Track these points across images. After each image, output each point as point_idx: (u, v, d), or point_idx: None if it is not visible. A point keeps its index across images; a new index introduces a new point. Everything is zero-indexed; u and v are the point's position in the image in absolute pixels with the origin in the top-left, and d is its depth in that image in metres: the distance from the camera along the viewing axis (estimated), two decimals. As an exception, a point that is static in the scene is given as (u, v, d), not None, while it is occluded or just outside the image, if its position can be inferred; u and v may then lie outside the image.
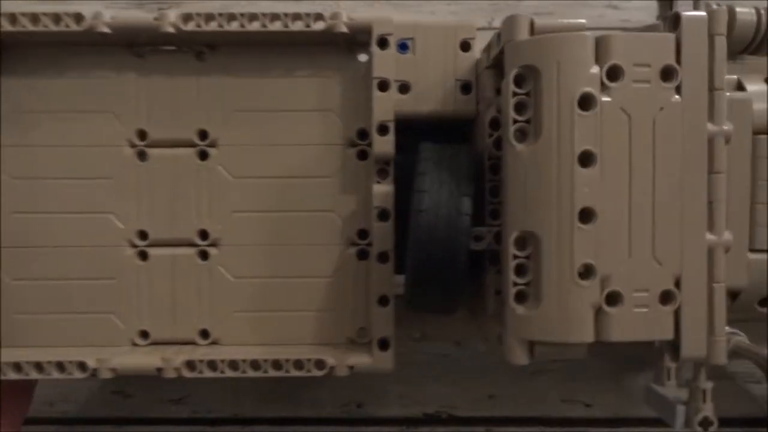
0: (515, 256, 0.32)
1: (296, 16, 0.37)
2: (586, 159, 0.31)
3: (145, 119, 0.39)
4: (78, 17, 0.37)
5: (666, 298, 0.32)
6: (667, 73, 0.32)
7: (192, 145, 0.39)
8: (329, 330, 0.40)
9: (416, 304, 0.37)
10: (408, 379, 0.51)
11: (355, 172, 0.40)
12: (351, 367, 0.38)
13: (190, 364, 0.37)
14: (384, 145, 0.38)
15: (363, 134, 0.39)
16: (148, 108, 0.39)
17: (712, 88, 0.33)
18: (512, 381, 0.51)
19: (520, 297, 0.32)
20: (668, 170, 0.32)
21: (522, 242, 0.32)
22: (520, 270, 0.32)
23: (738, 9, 0.37)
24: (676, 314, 0.32)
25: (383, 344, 0.38)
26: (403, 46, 0.39)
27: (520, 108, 0.32)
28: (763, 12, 0.38)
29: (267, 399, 0.50)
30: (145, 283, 0.39)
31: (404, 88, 0.38)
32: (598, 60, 0.32)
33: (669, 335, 0.32)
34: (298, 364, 0.37)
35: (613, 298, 0.32)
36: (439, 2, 0.51)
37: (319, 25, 0.37)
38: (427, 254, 0.34)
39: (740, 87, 0.37)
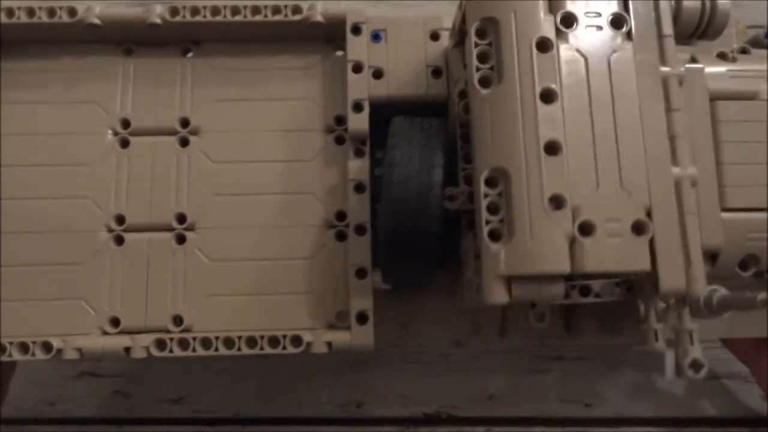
0: (486, 195, 0.31)
1: (276, 9, 0.38)
2: (547, 96, 0.31)
3: (129, 109, 0.39)
4: (71, 11, 0.37)
5: (638, 228, 0.30)
6: (616, 22, 0.32)
7: (173, 132, 0.38)
8: (307, 314, 0.37)
9: (392, 269, 0.36)
10: (408, 379, 0.49)
11: (334, 156, 0.38)
12: (329, 344, 0.35)
13: (160, 343, 0.34)
14: (359, 122, 0.37)
15: (340, 120, 0.39)
16: (133, 99, 0.39)
17: (660, 36, 0.33)
18: (512, 381, 0.49)
19: (494, 235, 0.31)
20: (627, 106, 0.31)
21: (492, 180, 0.31)
22: (492, 208, 0.31)
23: None
24: (651, 246, 0.30)
25: (362, 318, 0.35)
26: (376, 37, 0.39)
27: (482, 57, 0.32)
28: (707, 1, 0.38)
29: (267, 399, 0.48)
30: (119, 268, 0.37)
31: (378, 73, 0.38)
32: (552, 10, 0.32)
33: (645, 266, 0.30)
34: (274, 341, 0.34)
35: (585, 228, 0.30)
36: (442, 2, 0.52)
37: (296, 17, 0.38)
38: (401, 206, 0.33)
39: (694, 60, 0.37)
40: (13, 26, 0.37)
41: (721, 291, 0.33)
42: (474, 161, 0.33)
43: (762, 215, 0.35)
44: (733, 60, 0.37)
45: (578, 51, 0.31)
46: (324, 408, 0.48)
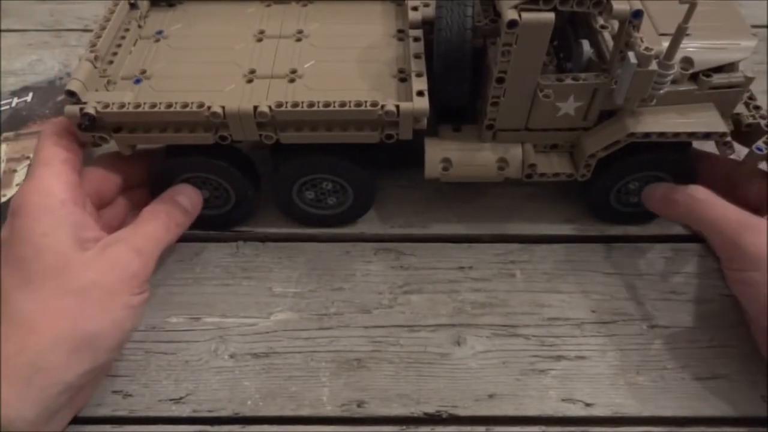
0: None
1: None
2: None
3: (264, 25, 0.58)
4: None
5: None
6: None
7: (292, 36, 0.57)
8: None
9: (442, 82, 0.50)
10: (408, 379, 0.49)
11: (397, 46, 0.55)
12: (397, 107, 0.47)
13: (279, 104, 0.47)
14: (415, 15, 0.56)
15: (401, 31, 0.57)
16: (267, 21, 0.58)
17: None
18: (512, 381, 0.49)
19: None
20: None
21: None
22: None
23: None
24: None
25: (420, 94, 0.48)
26: None
27: None
28: None
29: (267, 399, 0.48)
30: (247, 95, 0.51)
31: None
32: None
33: None
34: (358, 104, 0.47)
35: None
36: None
37: None
38: (446, 40, 0.48)
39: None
40: None
41: None
42: None
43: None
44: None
45: None
46: (324, 408, 0.47)
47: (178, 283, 0.54)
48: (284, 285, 0.54)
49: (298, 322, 0.52)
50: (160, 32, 0.57)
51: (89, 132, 0.48)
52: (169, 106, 0.47)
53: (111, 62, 0.53)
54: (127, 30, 0.56)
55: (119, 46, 0.54)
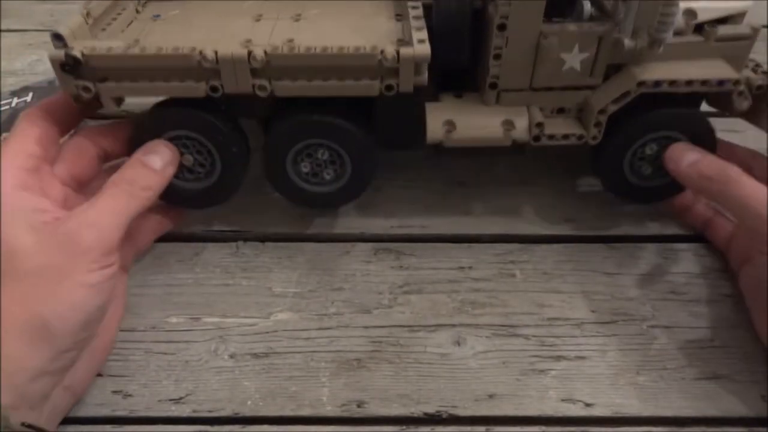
0: None
1: None
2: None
3: (263, 11, 0.56)
4: None
5: None
6: None
7: (290, 18, 0.55)
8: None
9: (442, 44, 0.50)
10: (408, 379, 0.48)
11: (396, 23, 0.54)
12: (398, 52, 0.46)
13: (274, 48, 0.46)
14: None
15: (399, 14, 0.55)
16: (265, 8, 0.57)
17: None
18: (512, 381, 0.48)
19: None
20: None
21: None
22: None
23: None
24: None
25: (421, 42, 0.47)
26: None
27: None
28: None
29: (267, 399, 0.47)
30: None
31: None
32: None
33: None
34: (357, 48, 0.46)
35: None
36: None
37: None
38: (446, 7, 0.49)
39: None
40: None
41: None
42: None
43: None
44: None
45: None
46: (324, 408, 0.47)
47: (178, 283, 0.54)
48: (284, 285, 0.54)
49: (298, 322, 0.52)
50: (156, 15, 0.56)
51: (72, 77, 0.47)
52: (159, 49, 0.46)
53: (104, 30, 0.52)
54: (124, 9, 0.54)
55: (114, 19, 0.53)
